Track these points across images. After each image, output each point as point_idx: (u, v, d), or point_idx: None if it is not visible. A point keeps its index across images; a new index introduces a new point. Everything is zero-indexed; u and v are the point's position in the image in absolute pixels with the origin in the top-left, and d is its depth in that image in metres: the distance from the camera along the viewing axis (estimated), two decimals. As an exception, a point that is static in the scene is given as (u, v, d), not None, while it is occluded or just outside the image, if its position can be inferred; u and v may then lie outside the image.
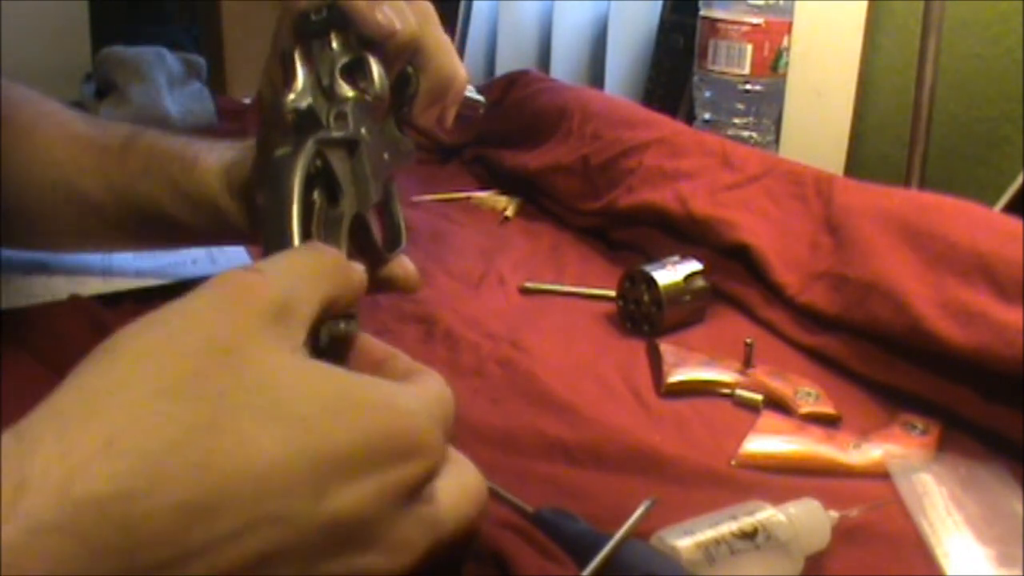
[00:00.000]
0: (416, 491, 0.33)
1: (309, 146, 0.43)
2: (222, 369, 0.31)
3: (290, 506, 0.30)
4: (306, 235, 0.41)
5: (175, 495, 0.28)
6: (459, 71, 0.58)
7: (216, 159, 0.66)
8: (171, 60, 1.27)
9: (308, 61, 0.50)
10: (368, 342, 0.40)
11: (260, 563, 0.30)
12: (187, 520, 0.28)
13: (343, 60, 0.51)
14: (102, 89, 1.23)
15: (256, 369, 0.31)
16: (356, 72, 0.51)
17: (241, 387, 0.30)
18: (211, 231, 0.67)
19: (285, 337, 0.33)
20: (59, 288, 0.70)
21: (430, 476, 0.34)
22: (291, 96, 0.48)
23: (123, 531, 0.27)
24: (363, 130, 0.49)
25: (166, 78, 1.24)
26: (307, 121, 0.48)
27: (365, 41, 0.52)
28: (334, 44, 0.51)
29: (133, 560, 0.28)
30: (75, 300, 0.68)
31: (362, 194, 0.48)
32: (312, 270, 0.36)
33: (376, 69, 0.51)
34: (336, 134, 0.47)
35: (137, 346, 0.31)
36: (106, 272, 0.74)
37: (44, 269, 0.74)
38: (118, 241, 0.73)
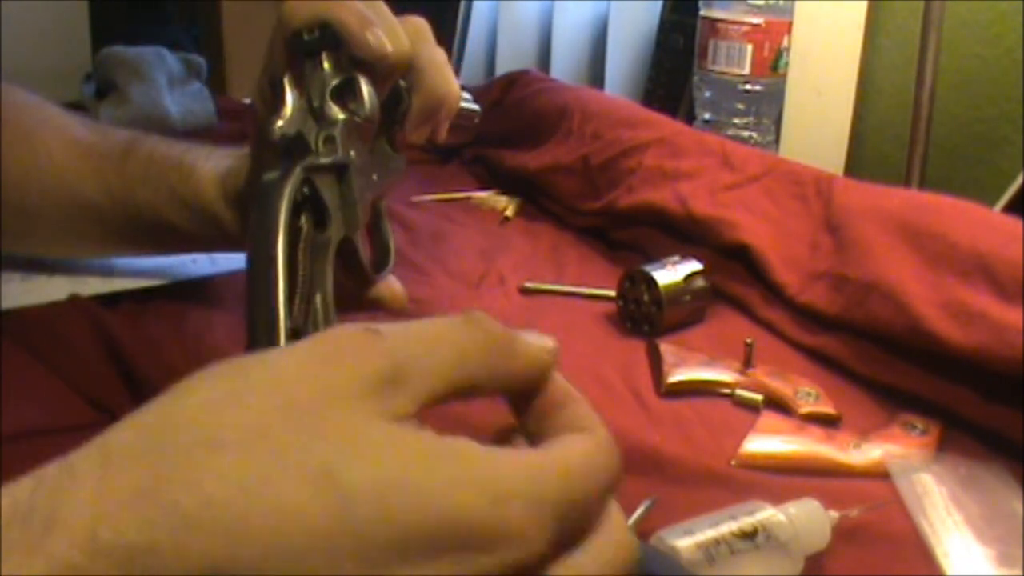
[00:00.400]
0: None
1: (296, 173, 0.43)
2: (289, 430, 0.27)
3: None
4: (291, 262, 0.41)
5: (202, 556, 0.26)
6: (452, 88, 0.58)
7: (213, 167, 0.66)
8: (171, 60, 1.26)
9: (299, 82, 0.50)
10: (554, 382, 0.35)
11: None
12: None
13: (334, 81, 0.51)
14: (102, 89, 1.23)
15: (330, 433, 0.27)
16: (347, 93, 0.51)
17: (303, 449, 0.27)
18: (208, 238, 0.67)
19: (383, 407, 0.28)
20: (59, 288, 0.70)
21: (524, 567, 0.28)
22: (279, 122, 0.48)
23: None
24: (352, 153, 0.49)
25: (166, 78, 1.24)
26: (295, 146, 0.48)
27: (357, 62, 0.52)
28: (325, 64, 0.51)
29: None
30: (75, 300, 0.68)
31: (350, 218, 0.48)
32: (449, 342, 0.31)
33: (367, 91, 0.51)
34: (324, 160, 0.47)
35: (209, 392, 0.28)
36: (106, 272, 0.74)
37: (44, 269, 0.74)
38: (116, 247, 0.73)
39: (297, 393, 0.28)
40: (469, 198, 1.02)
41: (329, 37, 0.51)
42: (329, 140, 0.48)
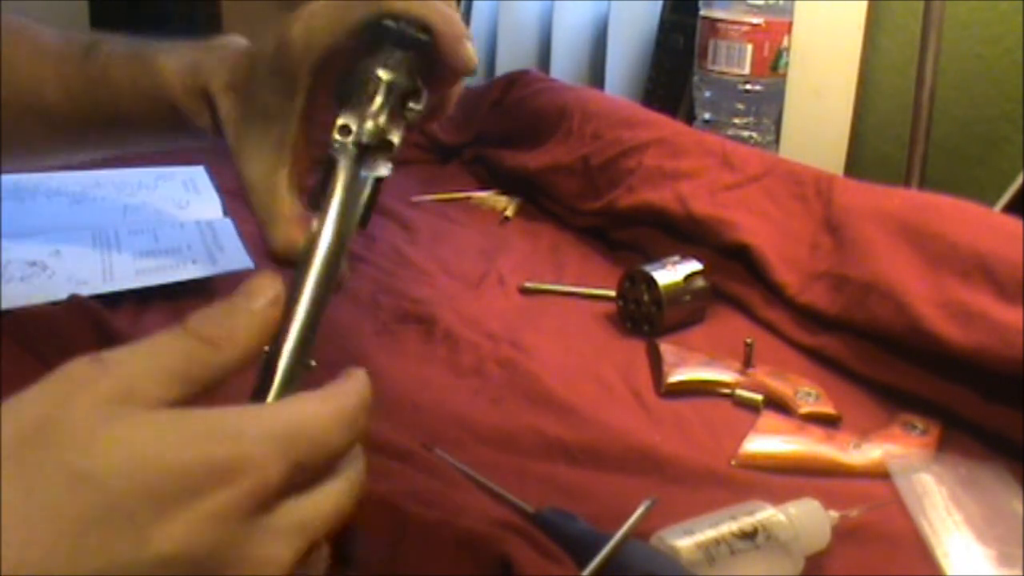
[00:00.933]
0: (259, 507, 0.33)
1: (371, 182, 0.47)
2: (38, 453, 0.31)
3: (113, 556, 0.30)
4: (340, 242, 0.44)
5: None
6: (449, 111, 0.60)
7: (176, 59, 0.65)
8: (171, 60, 1.26)
9: (377, 62, 0.50)
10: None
11: None
12: None
13: (406, 83, 0.50)
14: (102, 89, 1.23)
15: (77, 445, 0.31)
16: (410, 96, 0.51)
17: (54, 463, 0.31)
18: (170, 131, 0.67)
19: (121, 412, 0.32)
20: (59, 288, 0.70)
21: (264, 495, 0.33)
22: (370, 123, 0.48)
23: None
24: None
25: (166, 78, 1.24)
26: (372, 147, 0.49)
27: (423, 63, 0.52)
28: (401, 62, 0.51)
29: None
30: (75, 300, 0.68)
31: (363, 218, 0.48)
32: (166, 355, 0.36)
33: (425, 102, 0.51)
34: (383, 172, 0.48)
35: None
36: (106, 272, 0.74)
37: (44, 269, 0.74)
38: (79, 148, 0.74)
39: (37, 414, 0.32)
40: (469, 198, 1.02)
41: (421, 39, 0.51)
42: (387, 146, 0.49)
